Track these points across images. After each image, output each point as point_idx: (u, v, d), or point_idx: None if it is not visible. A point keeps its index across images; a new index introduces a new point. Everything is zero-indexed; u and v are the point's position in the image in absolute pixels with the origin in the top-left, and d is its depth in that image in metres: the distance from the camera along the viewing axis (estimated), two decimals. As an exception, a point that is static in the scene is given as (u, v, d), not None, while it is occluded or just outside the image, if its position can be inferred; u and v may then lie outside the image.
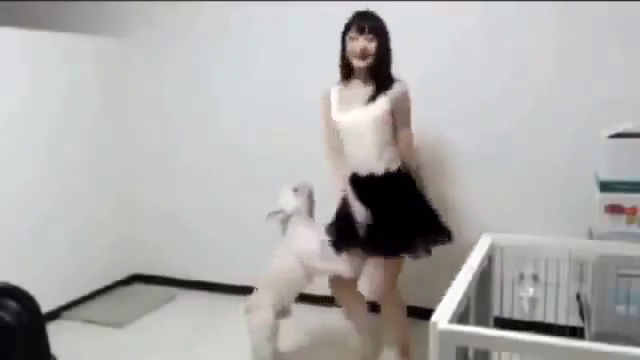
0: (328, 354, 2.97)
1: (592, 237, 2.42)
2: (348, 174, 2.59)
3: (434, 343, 1.31)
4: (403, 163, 2.54)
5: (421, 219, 2.56)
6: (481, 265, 1.78)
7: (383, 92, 2.47)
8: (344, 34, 2.51)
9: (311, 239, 2.63)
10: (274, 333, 2.60)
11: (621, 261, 2.16)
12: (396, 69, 2.80)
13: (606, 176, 2.34)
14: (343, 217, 2.60)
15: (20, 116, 3.20)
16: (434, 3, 3.05)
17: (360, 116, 2.48)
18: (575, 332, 2.39)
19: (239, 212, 3.62)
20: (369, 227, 2.51)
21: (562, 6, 2.82)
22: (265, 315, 2.56)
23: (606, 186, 2.34)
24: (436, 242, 2.58)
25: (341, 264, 2.59)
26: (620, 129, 2.32)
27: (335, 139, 2.62)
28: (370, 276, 2.69)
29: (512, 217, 2.98)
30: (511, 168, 3.02)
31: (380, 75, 2.51)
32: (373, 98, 2.47)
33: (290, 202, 2.69)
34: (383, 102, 2.46)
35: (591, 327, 2.35)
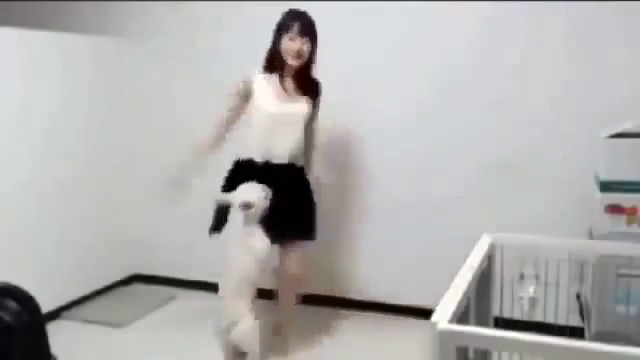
0: (328, 354, 2.96)
1: (592, 237, 2.42)
2: (245, 158, 2.75)
3: (434, 343, 1.31)
4: (303, 158, 2.79)
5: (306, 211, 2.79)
6: (481, 265, 1.78)
7: (308, 92, 2.72)
8: (279, 31, 2.66)
9: (264, 237, 2.65)
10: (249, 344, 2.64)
11: (621, 261, 2.16)
12: (407, 73, 2.88)
13: (606, 176, 2.34)
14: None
15: (18, 116, 3.19)
16: (439, 4, 3.05)
17: (290, 109, 2.69)
18: (575, 332, 2.39)
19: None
20: (273, 214, 2.65)
21: (562, 6, 2.82)
22: (249, 324, 2.59)
23: (606, 186, 2.34)
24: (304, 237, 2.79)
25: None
26: (620, 129, 2.33)
27: (233, 118, 2.78)
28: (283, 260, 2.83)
29: (512, 217, 2.98)
30: (511, 168, 3.02)
31: (307, 75, 2.73)
32: (303, 95, 2.71)
33: (259, 198, 2.66)
34: (308, 102, 2.72)
35: (591, 327, 2.35)
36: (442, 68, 3.09)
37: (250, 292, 2.65)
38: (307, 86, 2.73)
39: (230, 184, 2.78)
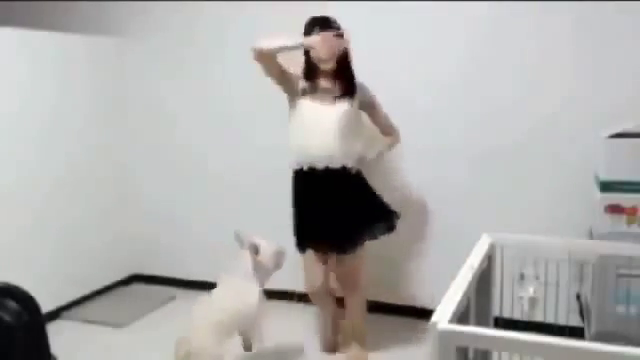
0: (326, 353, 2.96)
1: (592, 237, 2.42)
2: (297, 167, 2.69)
3: (434, 343, 1.31)
4: (356, 159, 2.69)
5: (367, 209, 2.75)
6: (481, 265, 1.78)
7: (349, 93, 2.64)
8: (308, 35, 2.58)
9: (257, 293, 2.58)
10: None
11: (621, 261, 2.16)
12: (409, 75, 2.88)
13: (606, 176, 2.34)
14: (302, 214, 2.73)
15: (18, 115, 3.19)
16: (443, 4, 3.05)
17: (324, 112, 2.60)
18: (575, 332, 2.39)
19: (240, 212, 3.62)
20: (322, 225, 2.67)
21: (565, 6, 2.82)
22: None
23: (606, 186, 2.34)
24: (383, 229, 2.80)
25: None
26: (620, 129, 2.33)
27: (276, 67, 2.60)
28: (334, 272, 2.85)
29: (512, 217, 2.98)
30: (511, 168, 3.02)
31: (344, 76, 2.65)
32: (340, 97, 2.62)
33: (270, 253, 2.67)
34: (347, 104, 2.62)
35: (591, 327, 2.35)
36: (442, 68, 3.09)
37: (224, 337, 2.53)
38: (346, 85, 2.65)
39: (297, 197, 2.75)
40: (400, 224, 3.27)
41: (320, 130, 2.60)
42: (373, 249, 3.18)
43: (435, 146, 3.15)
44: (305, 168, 2.66)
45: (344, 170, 2.65)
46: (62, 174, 3.46)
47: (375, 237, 2.79)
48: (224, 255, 3.04)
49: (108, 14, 3.79)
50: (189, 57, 3.67)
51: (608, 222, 2.34)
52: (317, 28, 2.57)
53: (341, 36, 2.58)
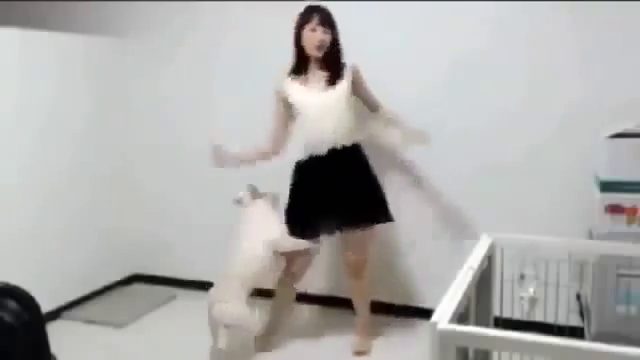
0: (324, 353, 2.96)
1: (592, 237, 2.42)
2: (301, 158, 2.83)
3: (434, 343, 1.31)
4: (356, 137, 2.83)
5: (373, 190, 2.88)
6: (481, 265, 1.78)
7: (339, 78, 2.75)
8: (300, 26, 2.73)
9: (273, 226, 2.84)
10: (240, 324, 2.75)
11: (621, 261, 2.17)
12: (409, 74, 2.90)
13: (606, 176, 2.34)
14: (297, 203, 2.85)
15: (17, 115, 3.19)
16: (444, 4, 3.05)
17: (324, 98, 2.74)
18: (575, 332, 2.39)
19: (240, 212, 3.61)
20: (332, 203, 2.76)
21: (563, 6, 2.82)
22: (234, 308, 2.69)
23: (606, 186, 2.34)
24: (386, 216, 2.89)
25: (302, 242, 2.79)
26: (620, 129, 2.32)
27: (281, 133, 2.87)
28: (344, 250, 2.93)
29: (512, 217, 2.98)
30: (511, 168, 3.02)
31: (334, 64, 2.76)
32: (332, 83, 2.75)
33: (249, 197, 2.97)
34: (342, 85, 2.75)
35: (591, 327, 2.35)
36: (442, 68, 3.09)
37: (250, 282, 2.77)
38: (335, 72, 2.77)
39: (296, 188, 2.88)
40: (400, 224, 3.28)
41: (320, 117, 2.74)
42: (373, 249, 3.19)
43: (435, 146, 3.15)
44: (309, 156, 2.78)
45: (347, 149, 2.78)
46: (62, 174, 3.46)
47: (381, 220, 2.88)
48: (224, 255, 3.06)
49: (108, 14, 3.79)
50: (189, 57, 3.67)
51: (608, 222, 2.34)
52: (311, 18, 2.71)
53: (329, 30, 2.72)
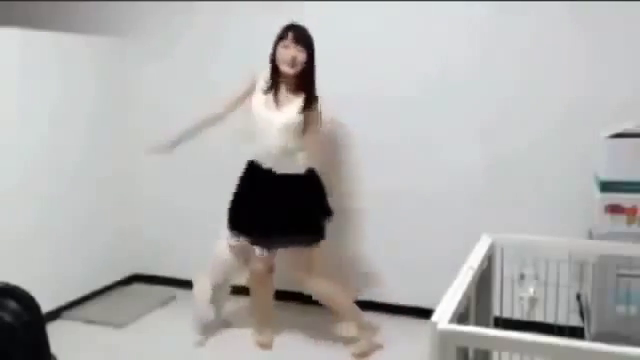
0: (322, 353, 2.96)
1: (592, 237, 2.42)
2: (256, 160, 2.84)
3: (434, 343, 1.31)
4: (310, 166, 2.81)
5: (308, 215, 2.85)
6: (481, 265, 1.78)
7: (308, 102, 2.73)
8: (276, 42, 2.73)
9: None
10: (212, 301, 3.11)
11: (621, 261, 2.17)
12: (410, 75, 2.87)
13: (606, 176, 2.34)
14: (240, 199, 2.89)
15: (17, 115, 3.19)
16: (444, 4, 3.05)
17: (282, 118, 2.72)
18: (575, 332, 2.39)
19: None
20: (268, 213, 2.78)
21: (563, 6, 2.82)
22: (202, 286, 3.06)
23: (606, 186, 2.34)
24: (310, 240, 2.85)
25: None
26: (620, 129, 2.33)
27: (231, 106, 2.87)
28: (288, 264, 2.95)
29: (512, 217, 2.98)
30: (511, 168, 3.02)
31: (305, 87, 2.74)
32: (294, 103, 2.73)
33: None
34: (299, 112, 2.72)
35: (591, 327, 2.35)
36: (442, 69, 3.09)
37: (217, 269, 3.03)
38: (308, 94, 2.76)
39: (242, 186, 2.92)
40: (400, 224, 3.29)
41: (268, 133, 2.75)
42: (373, 249, 3.19)
43: (435, 146, 3.15)
44: (257, 163, 2.82)
45: (297, 175, 2.79)
46: (62, 174, 3.45)
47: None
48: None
49: (108, 14, 3.79)
50: (189, 57, 3.67)
51: (608, 222, 2.34)
52: (286, 36, 2.71)
53: (303, 49, 2.70)
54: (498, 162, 3.04)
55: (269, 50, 2.95)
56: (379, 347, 2.96)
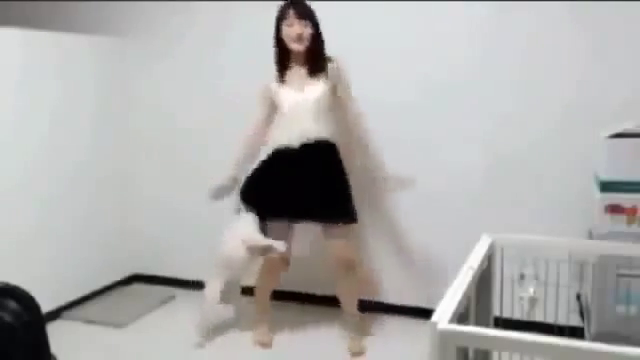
0: (322, 353, 2.97)
1: (592, 237, 2.42)
2: (275, 147, 2.82)
3: (434, 343, 1.31)
4: (337, 135, 2.83)
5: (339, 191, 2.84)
6: (481, 265, 1.78)
7: (321, 72, 2.74)
8: (278, 23, 2.73)
9: (251, 223, 2.89)
10: (223, 301, 3.08)
11: (621, 261, 2.16)
12: (410, 76, 2.88)
13: (606, 176, 2.34)
14: (263, 179, 2.85)
15: (17, 115, 3.19)
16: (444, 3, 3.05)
17: (305, 95, 2.73)
18: (575, 332, 2.39)
19: (240, 212, 3.61)
20: (302, 191, 2.75)
21: (563, 6, 2.82)
22: (214, 288, 3.01)
23: (606, 186, 2.34)
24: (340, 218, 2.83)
25: (276, 241, 2.79)
26: (620, 129, 2.32)
27: (262, 127, 2.87)
28: (331, 246, 2.89)
29: (512, 217, 2.98)
30: (511, 168, 3.02)
31: (315, 57, 2.74)
32: (314, 77, 2.74)
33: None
34: (324, 84, 2.74)
35: (591, 327, 2.35)
36: (442, 69, 3.09)
37: (227, 269, 2.97)
38: (317, 67, 2.76)
39: (264, 167, 2.87)
40: (400, 224, 3.29)
41: (298, 117, 2.73)
42: (373, 249, 3.19)
43: (435, 146, 3.15)
44: (283, 147, 2.78)
45: (322, 146, 2.78)
46: (62, 174, 3.46)
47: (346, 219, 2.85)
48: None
49: (108, 14, 3.79)
50: (190, 57, 3.67)
51: (608, 222, 2.34)
52: (287, 14, 2.70)
53: (308, 22, 2.70)
54: (498, 162, 3.04)
55: (269, 50, 2.96)
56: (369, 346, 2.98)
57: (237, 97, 3.55)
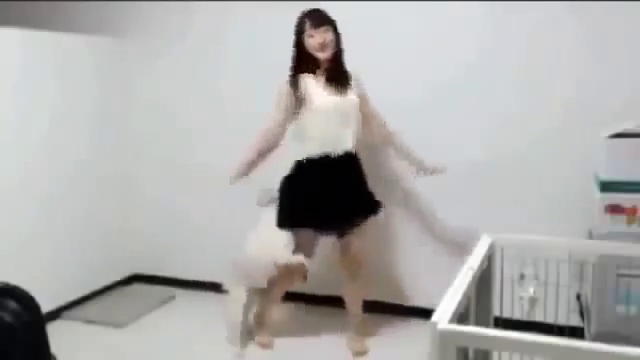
0: (321, 353, 2.97)
1: (592, 237, 2.42)
2: (312, 155, 2.75)
3: (434, 343, 1.31)
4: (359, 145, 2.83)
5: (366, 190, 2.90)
6: (481, 265, 1.78)
7: (348, 83, 2.77)
8: (299, 35, 2.72)
9: (277, 232, 2.82)
10: (246, 310, 2.99)
11: (621, 261, 2.16)
12: (410, 75, 2.88)
13: (606, 176, 2.34)
14: (291, 196, 2.82)
15: (17, 115, 3.19)
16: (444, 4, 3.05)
17: (342, 101, 2.72)
18: (575, 332, 2.39)
19: (239, 212, 3.61)
20: (335, 203, 2.75)
21: (563, 6, 2.82)
22: (237, 297, 2.94)
23: (606, 186, 2.34)
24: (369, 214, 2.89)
25: (306, 259, 2.78)
26: (620, 129, 2.32)
27: (279, 130, 2.79)
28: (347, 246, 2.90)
29: (512, 217, 2.98)
30: (511, 168, 3.02)
31: (337, 67, 2.76)
32: (344, 87, 2.75)
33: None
34: (354, 95, 2.77)
35: (591, 327, 2.35)
36: (442, 69, 3.09)
37: (252, 274, 2.88)
38: (339, 77, 2.76)
39: (303, 182, 2.82)
40: (400, 224, 3.28)
41: (341, 121, 2.73)
42: (373, 249, 3.19)
43: (435, 145, 3.15)
44: (321, 155, 2.73)
45: (354, 155, 2.82)
46: (62, 174, 3.45)
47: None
48: (224, 255, 3.05)
49: (108, 14, 3.79)
50: (189, 57, 3.66)
51: (608, 222, 2.34)
52: (305, 25, 2.70)
53: (329, 28, 2.71)
54: (498, 162, 3.04)
55: (270, 50, 2.97)
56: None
57: (237, 97, 3.55)
